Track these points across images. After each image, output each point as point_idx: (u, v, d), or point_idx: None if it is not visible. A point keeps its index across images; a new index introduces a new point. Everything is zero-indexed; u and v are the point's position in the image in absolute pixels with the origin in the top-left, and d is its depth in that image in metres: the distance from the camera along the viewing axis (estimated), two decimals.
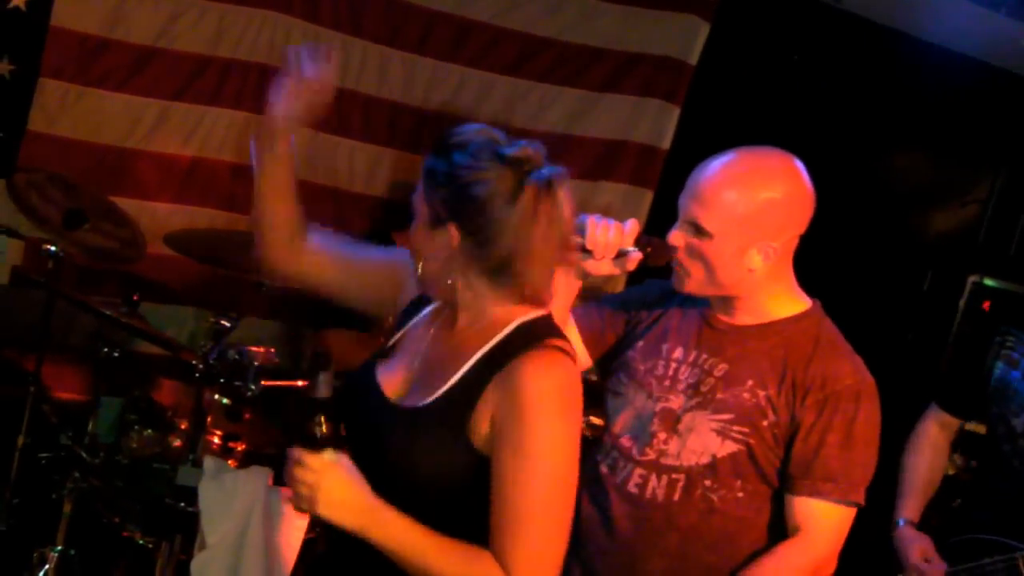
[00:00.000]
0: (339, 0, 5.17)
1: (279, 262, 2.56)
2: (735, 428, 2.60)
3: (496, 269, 2.19)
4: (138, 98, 4.93)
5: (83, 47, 4.80)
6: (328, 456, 2.09)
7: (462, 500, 2.16)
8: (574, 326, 2.84)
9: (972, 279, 5.58)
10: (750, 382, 2.62)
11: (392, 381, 2.30)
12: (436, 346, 2.29)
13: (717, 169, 2.60)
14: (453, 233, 2.18)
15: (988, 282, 5.59)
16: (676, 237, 2.63)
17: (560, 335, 2.23)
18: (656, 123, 5.78)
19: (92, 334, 4.12)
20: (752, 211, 2.56)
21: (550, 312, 2.28)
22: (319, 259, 2.55)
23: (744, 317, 2.69)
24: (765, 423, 2.59)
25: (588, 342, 2.86)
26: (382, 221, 5.25)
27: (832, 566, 2.65)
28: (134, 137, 4.96)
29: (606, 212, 2.60)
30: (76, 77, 4.81)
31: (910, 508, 3.70)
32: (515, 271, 2.17)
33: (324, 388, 2.13)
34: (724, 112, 5.58)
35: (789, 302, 2.70)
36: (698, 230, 2.59)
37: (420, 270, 2.27)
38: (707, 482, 2.62)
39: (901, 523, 3.67)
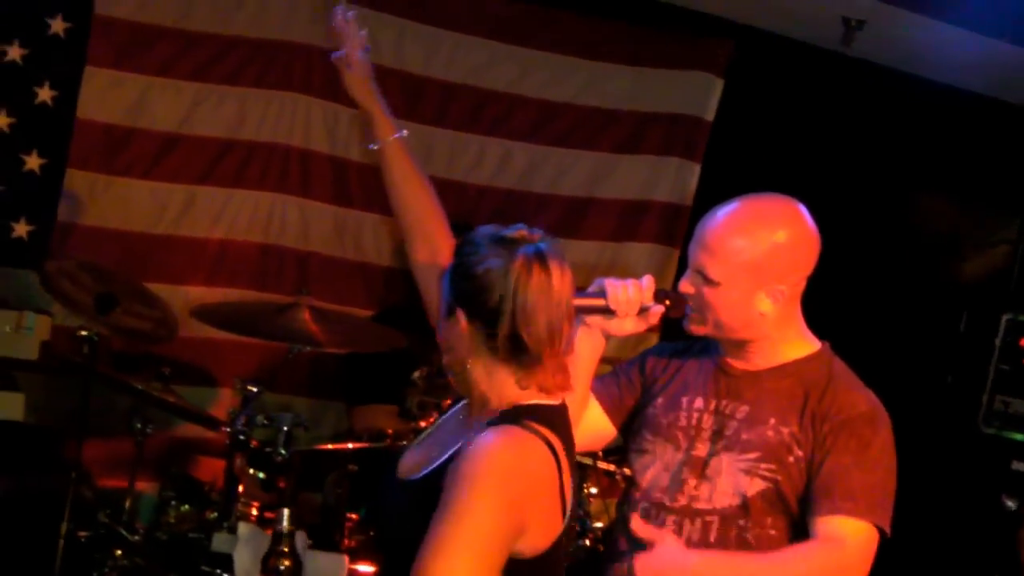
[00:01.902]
0: None
1: (438, 250, 2.64)
2: (763, 466, 2.65)
3: (509, 349, 2.25)
4: (164, 184, 5.03)
5: (109, 137, 4.92)
6: None
7: None
8: (594, 399, 2.91)
9: (1007, 317, 5.54)
10: (772, 420, 2.67)
11: (409, 464, 2.39)
12: (452, 432, 2.38)
13: (721, 218, 2.67)
14: (461, 318, 2.28)
15: (1023, 319, 5.55)
16: (686, 285, 2.70)
17: (548, 423, 2.26)
18: (678, 181, 5.82)
19: (128, 414, 4.15)
20: (758, 256, 2.63)
21: (563, 403, 2.34)
22: None
23: (758, 361, 2.75)
24: (791, 458, 2.64)
25: (610, 411, 2.93)
26: (406, 293, 5.30)
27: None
28: (162, 223, 5.04)
29: (627, 273, 2.75)
30: (103, 167, 4.92)
31: None
32: (526, 346, 2.24)
33: None
34: (746, 165, 5.61)
35: (800, 344, 2.76)
36: (706, 279, 2.65)
37: (444, 363, 2.36)
38: (741, 522, 2.66)
39: None
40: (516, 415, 2.24)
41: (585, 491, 4.10)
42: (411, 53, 5.37)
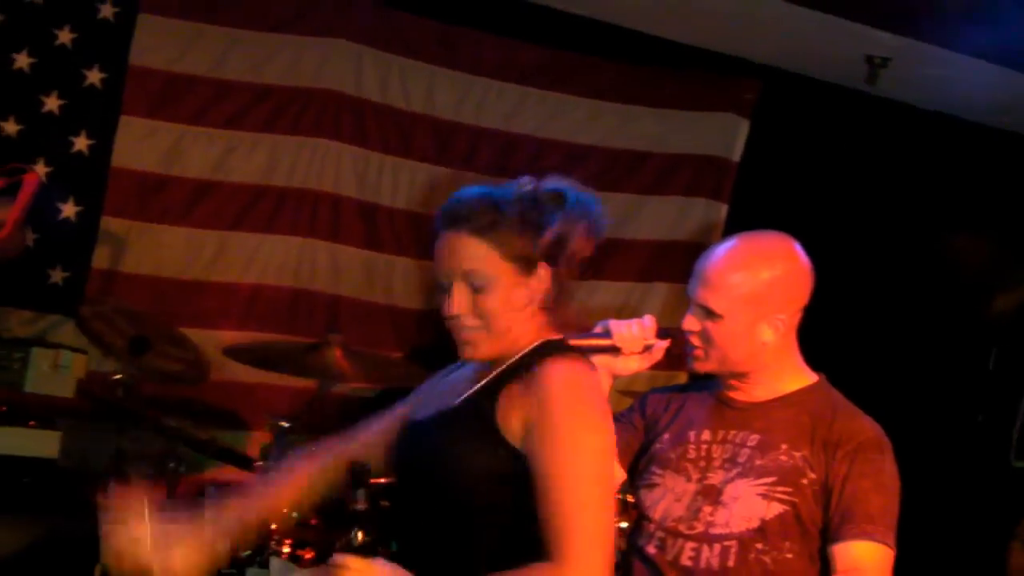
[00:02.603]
0: (386, 123, 5.37)
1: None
2: (779, 489, 2.69)
3: (562, 290, 2.41)
4: (197, 230, 5.12)
5: (143, 185, 5.02)
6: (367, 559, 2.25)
7: (503, 494, 2.30)
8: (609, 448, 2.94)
9: None
10: (784, 446, 2.73)
11: (422, 413, 2.50)
12: (463, 381, 2.48)
13: (721, 255, 2.78)
14: (542, 270, 2.37)
15: None
16: (690, 322, 2.78)
17: (580, 351, 2.43)
18: (704, 221, 5.87)
19: (162, 457, 4.20)
20: (757, 288, 2.72)
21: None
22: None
23: (759, 393, 2.82)
24: (805, 481, 2.68)
25: (617, 456, 2.91)
26: (436, 335, 5.34)
27: None
28: (195, 268, 5.12)
29: (655, 313, 2.85)
30: (137, 214, 5.01)
31: None
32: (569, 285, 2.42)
33: (362, 502, 2.29)
34: (772, 206, 5.64)
35: (799, 376, 2.84)
36: (708, 313, 2.74)
37: (490, 328, 2.37)
38: (759, 545, 2.68)
39: None
40: (556, 346, 2.38)
41: None
42: (442, 99, 5.47)
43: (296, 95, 5.23)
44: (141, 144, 5.01)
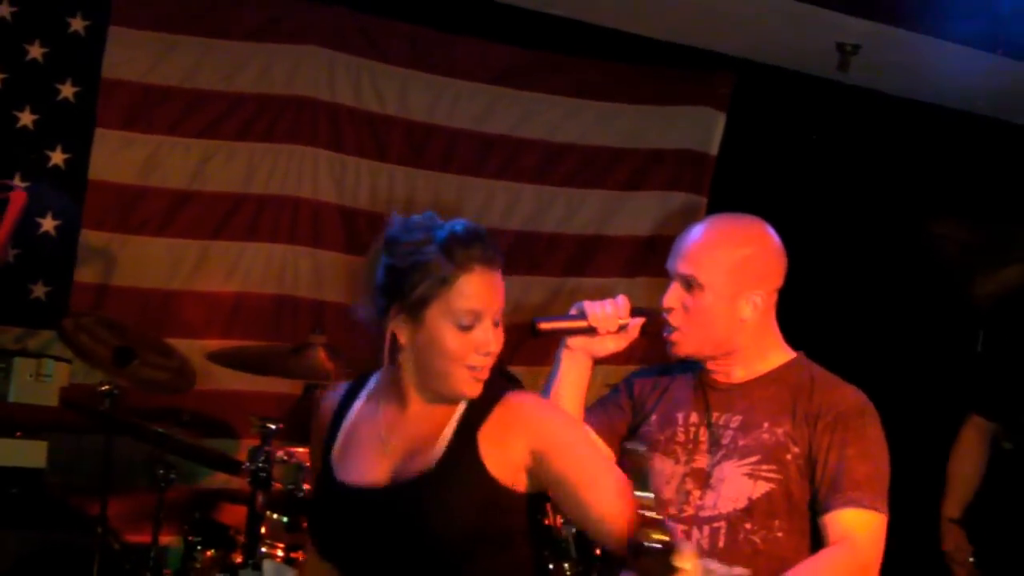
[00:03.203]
0: (362, 127, 5.38)
1: None
2: (764, 467, 2.72)
3: None
4: (178, 240, 5.11)
5: (121, 197, 5.00)
6: None
7: (492, 536, 2.32)
8: (589, 429, 2.95)
9: None
10: (766, 423, 2.75)
11: (367, 472, 2.40)
12: (400, 425, 2.41)
13: (701, 232, 2.84)
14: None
15: None
16: (670, 298, 2.80)
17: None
18: (685, 216, 5.87)
19: (150, 464, 4.19)
20: (736, 263, 2.76)
21: None
22: None
23: (740, 373, 2.84)
24: (789, 456, 2.71)
25: (606, 438, 2.95)
26: None
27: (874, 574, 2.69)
28: (177, 278, 5.11)
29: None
30: (117, 226, 5.00)
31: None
32: None
33: None
34: (751, 197, 5.63)
35: (778, 354, 2.87)
36: (690, 284, 2.77)
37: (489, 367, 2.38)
38: (747, 525, 2.71)
39: None
40: (501, 382, 2.44)
41: None
42: (416, 101, 5.48)
43: (270, 102, 5.23)
44: (117, 156, 4.99)
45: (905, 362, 6.05)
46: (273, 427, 3.77)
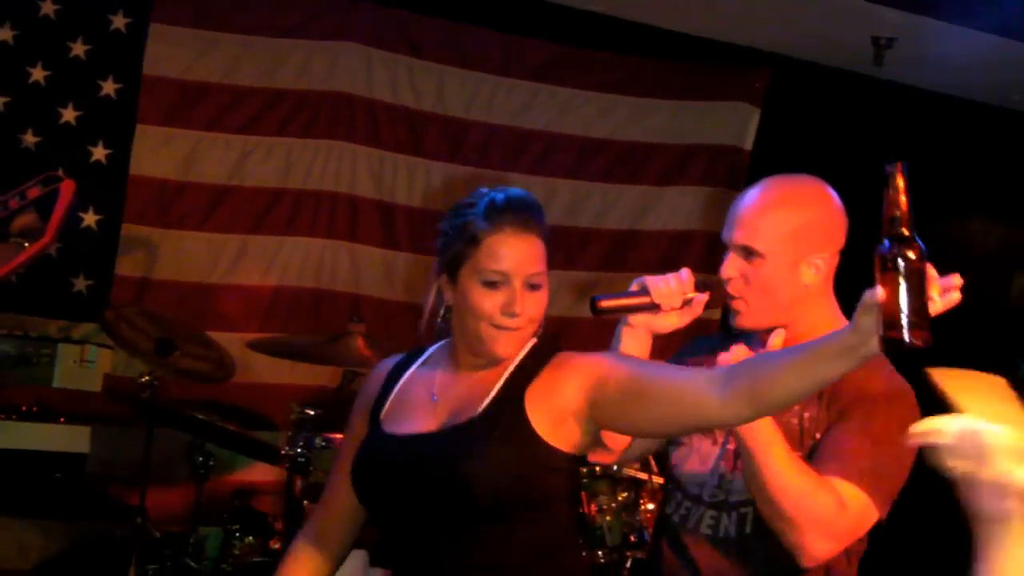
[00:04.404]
0: (399, 123, 5.43)
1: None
2: None
3: None
4: (217, 235, 5.18)
5: (161, 192, 5.08)
6: None
7: (541, 496, 2.32)
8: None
9: None
10: (797, 407, 2.58)
11: (416, 425, 2.41)
12: (451, 384, 2.43)
13: (756, 196, 2.68)
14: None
15: None
16: (728, 268, 2.65)
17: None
18: (721, 210, 5.81)
19: (190, 452, 4.25)
20: (795, 226, 2.61)
21: None
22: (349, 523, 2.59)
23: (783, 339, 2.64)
24: (811, 443, 2.57)
25: None
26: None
27: (842, 541, 2.50)
28: (216, 272, 5.17)
29: None
30: (157, 220, 5.08)
31: None
32: None
33: None
34: None
35: (828, 321, 2.63)
36: (749, 253, 2.62)
37: (527, 331, 2.39)
38: None
39: None
40: (553, 344, 2.45)
41: (641, 506, 4.13)
42: (452, 98, 5.53)
43: (308, 98, 5.30)
44: (158, 152, 5.07)
45: (941, 360, 6.03)
46: (312, 413, 3.81)
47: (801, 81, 5.90)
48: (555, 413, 2.32)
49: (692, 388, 2.18)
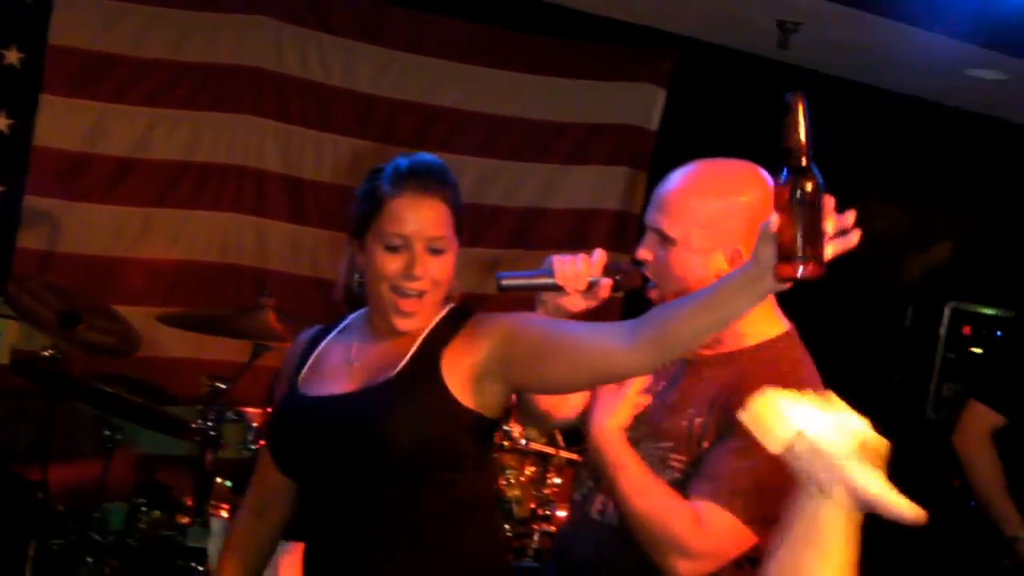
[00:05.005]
0: (307, 98, 5.41)
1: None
2: (672, 456, 2.52)
3: None
4: (123, 208, 5.11)
5: (66, 164, 5.00)
6: None
7: (446, 454, 2.36)
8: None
9: (950, 306, 5.71)
10: (691, 410, 2.52)
11: (332, 387, 2.44)
12: (367, 349, 2.47)
13: (678, 180, 2.58)
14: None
15: (966, 308, 5.72)
16: (643, 251, 2.58)
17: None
18: (626, 189, 5.97)
19: (95, 426, 4.21)
20: (714, 214, 2.52)
21: None
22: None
23: (728, 342, 2.55)
24: (698, 451, 2.48)
25: None
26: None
27: (704, 560, 2.41)
28: (121, 245, 5.12)
29: None
30: (61, 193, 4.99)
31: None
32: None
33: None
34: None
35: (764, 323, 2.56)
36: (663, 238, 2.53)
37: (435, 296, 2.42)
38: None
39: None
40: (469, 310, 2.49)
41: (548, 480, 4.18)
42: (362, 73, 5.51)
43: (216, 72, 5.24)
44: (62, 123, 4.99)
45: (835, 338, 6.17)
46: (223, 387, 3.80)
47: (707, 63, 5.99)
48: (469, 373, 2.36)
49: (600, 338, 2.22)
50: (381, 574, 2.36)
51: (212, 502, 3.89)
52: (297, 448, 2.44)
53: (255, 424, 3.91)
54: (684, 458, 2.49)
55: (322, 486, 2.42)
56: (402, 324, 2.39)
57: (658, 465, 2.51)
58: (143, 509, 3.94)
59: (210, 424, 3.83)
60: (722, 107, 6.00)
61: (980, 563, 4.31)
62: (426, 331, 2.41)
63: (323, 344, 2.55)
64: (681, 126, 5.99)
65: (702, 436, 2.47)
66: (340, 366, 2.48)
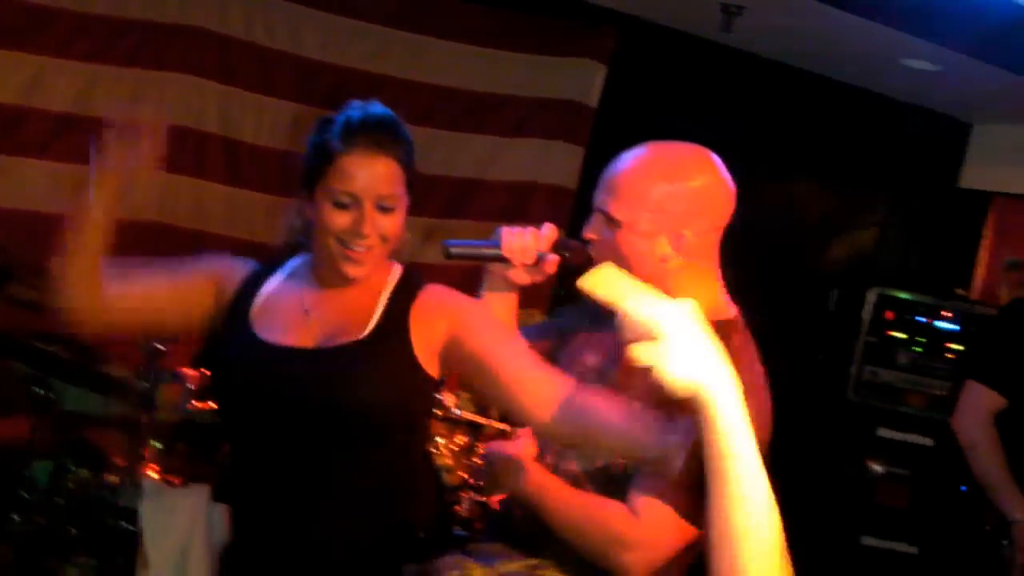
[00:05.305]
0: (251, 61, 5.40)
1: (85, 318, 2.54)
2: None
3: None
4: (59, 164, 5.06)
5: (2, 118, 4.96)
6: None
7: (407, 419, 2.41)
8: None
9: (874, 292, 5.83)
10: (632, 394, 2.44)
11: (290, 337, 2.42)
12: (323, 301, 2.46)
13: (626, 162, 2.57)
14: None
15: (889, 293, 5.84)
16: (590, 232, 2.59)
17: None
18: (563, 164, 6.01)
19: (25, 382, 4.19)
20: (662, 198, 2.50)
21: None
22: (126, 304, 2.56)
23: None
24: None
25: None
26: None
27: (646, 550, 2.44)
28: (57, 202, 5.06)
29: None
30: None
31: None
32: None
33: None
34: (627, 150, 5.81)
35: (710, 309, 2.35)
36: (608, 220, 2.54)
37: (384, 251, 2.40)
38: (589, 488, 2.54)
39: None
40: (419, 276, 2.51)
41: (478, 451, 4.22)
42: (307, 38, 5.52)
43: (160, 31, 5.22)
44: (0, 76, 4.95)
45: (760, 319, 6.28)
46: (161, 348, 3.81)
47: (650, 43, 6.05)
48: (428, 342, 2.39)
49: (530, 397, 2.30)
50: (316, 536, 2.36)
51: (144, 463, 3.91)
52: (249, 396, 2.40)
53: (192, 386, 3.91)
54: None
55: (264, 440, 2.39)
56: (351, 270, 2.38)
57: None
58: (72, 468, 3.93)
59: (146, 385, 3.83)
60: (663, 87, 6.06)
61: None
62: (387, 291, 2.43)
63: (270, 285, 2.50)
64: (622, 104, 6.03)
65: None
66: (297, 316, 2.44)
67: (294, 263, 2.53)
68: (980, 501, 4.12)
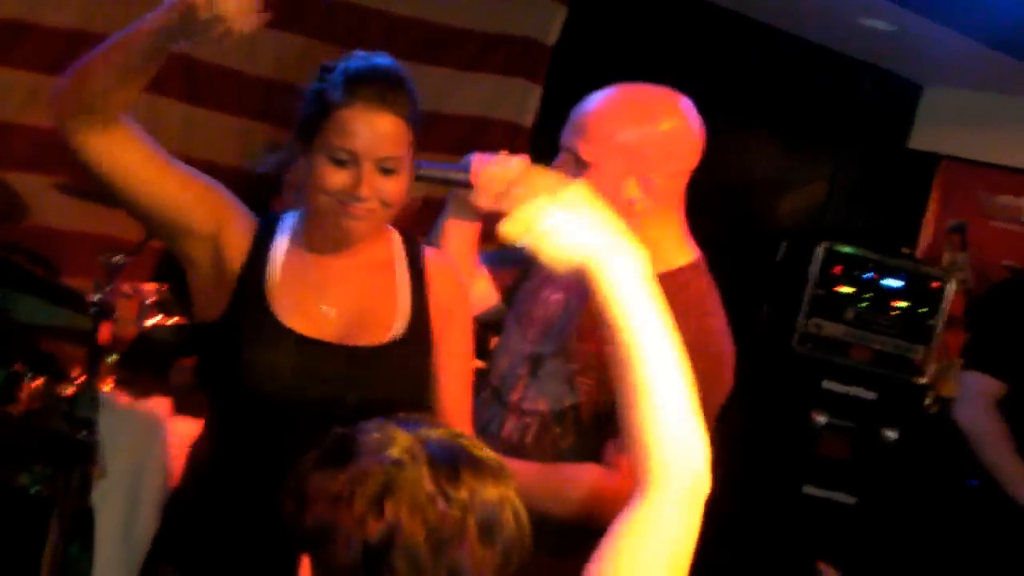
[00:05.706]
0: None
1: (96, 134, 2.38)
2: (579, 379, 2.55)
3: None
4: (9, 71, 4.93)
5: None
6: None
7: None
8: (484, 272, 2.84)
9: (822, 246, 5.87)
10: (598, 337, 2.45)
11: (314, 327, 2.32)
12: (336, 278, 2.39)
13: (596, 102, 2.57)
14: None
15: (837, 248, 5.89)
16: (558, 170, 2.55)
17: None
18: (519, 101, 5.99)
19: None
20: (629, 140, 2.50)
21: None
22: (132, 143, 2.39)
23: None
24: (603, 377, 2.34)
25: (494, 282, 2.87)
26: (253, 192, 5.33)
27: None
28: (6, 111, 4.95)
29: None
30: None
31: None
32: None
33: None
34: (586, 90, 5.78)
35: (673, 252, 2.58)
36: (577, 160, 2.53)
37: (386, 214, 2.32)
38: (556, 430, 2.58)
39: None
40: (415, 238, 2.52)
41: None
42: None
43: None
44: None
45: (709, 267, 6.31)
46: (120, 261, 3.73)
47: None
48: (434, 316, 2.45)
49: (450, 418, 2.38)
50: None
51: (100, 375, 3.83)
52: (277, 389, 2.27)
53: (149, 301, 3.83)
54: (590, 382, 2.52)
55: (275, 430, 2.27)
56: (351, 225, 2.26)
57: (564, 385, 2.56)
58: (28, 376, 3.85)
59: (105, 298, 3.75)
60: (623, 30, 6.04)
61: None
62: (401, 269, 2.42)
63: (277, 251, 2.36)
64: (582, 45, 6.01)
65: (607, 365, 2.44)
66: (311, 293, 2.34)
67: (289, 222, 2.40)
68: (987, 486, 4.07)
